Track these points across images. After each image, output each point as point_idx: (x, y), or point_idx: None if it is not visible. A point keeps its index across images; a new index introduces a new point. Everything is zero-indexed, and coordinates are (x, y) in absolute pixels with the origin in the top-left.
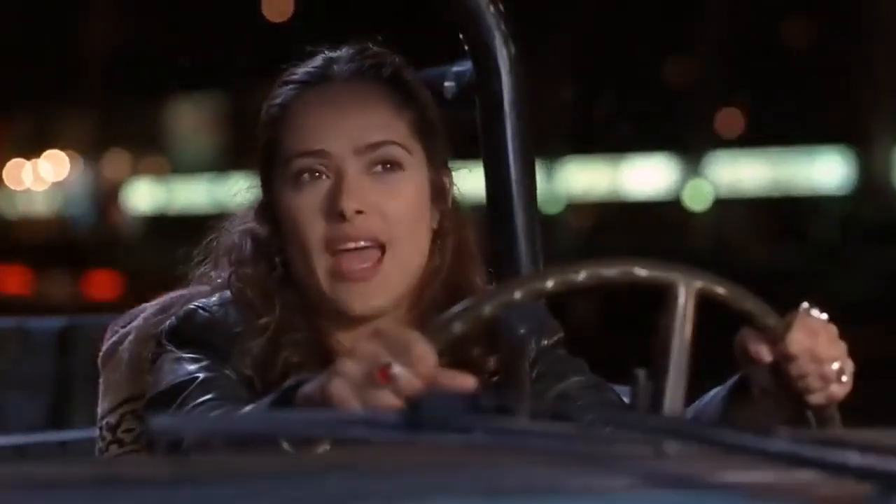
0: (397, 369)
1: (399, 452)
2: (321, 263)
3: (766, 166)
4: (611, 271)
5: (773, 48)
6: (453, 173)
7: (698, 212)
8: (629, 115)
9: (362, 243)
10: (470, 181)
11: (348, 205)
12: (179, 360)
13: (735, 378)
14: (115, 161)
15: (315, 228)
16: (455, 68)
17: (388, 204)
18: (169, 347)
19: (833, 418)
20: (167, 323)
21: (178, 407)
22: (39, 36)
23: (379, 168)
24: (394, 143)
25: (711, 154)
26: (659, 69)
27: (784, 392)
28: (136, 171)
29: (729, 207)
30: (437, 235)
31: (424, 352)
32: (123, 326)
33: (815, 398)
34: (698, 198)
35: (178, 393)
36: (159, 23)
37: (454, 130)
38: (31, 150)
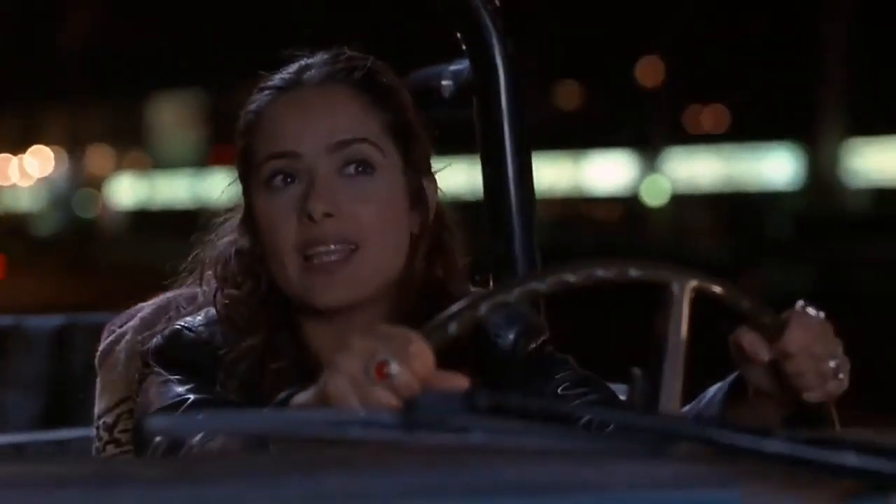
0: (394, 367)
1: (396, 452)
2: (293, 263)
3: (721, 163)
4: (606, 271)
5: (728, 49)
6: (438, 174)
7: (656, 207)
8: (591, 113)
9: (332, 247)
10: (469, 179)
11: (317, 207)
12: (167, 382)
13: (730, 379)
14: (99, 156)
15: (287, 231)
16: (452, 67)
17: (360, 207)
18: (156, 369)
19: (830, 416)
20: (153, 342)
21: None
22: (24, 34)
23: (351, 169)
24: (364, 140)
25: (669, 151)
26: (620, 69)
27: (781, 390)
28: (120, 167)
29: (685, 203)
30: (418, 241)
31: (421, 349)
32: (120, 326)
33: (813, 395)
34: (656, 193)
35: (165, 413)
36: (143, 22)
37: (452, 128)
38: (18, 146)
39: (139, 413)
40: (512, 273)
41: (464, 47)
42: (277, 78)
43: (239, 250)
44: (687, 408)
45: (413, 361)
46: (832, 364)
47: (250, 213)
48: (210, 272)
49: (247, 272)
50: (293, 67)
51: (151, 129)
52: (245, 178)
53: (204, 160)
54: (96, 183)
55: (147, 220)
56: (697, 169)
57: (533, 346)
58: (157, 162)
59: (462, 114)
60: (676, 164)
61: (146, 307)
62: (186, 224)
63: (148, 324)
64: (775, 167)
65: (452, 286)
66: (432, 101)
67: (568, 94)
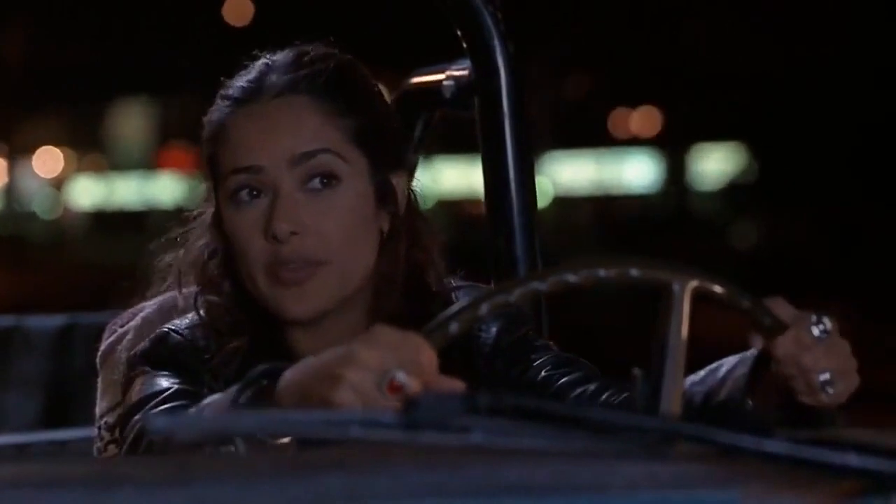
0: (404, 378)
1: (397, 452)
2: (262, 279)
3: (592, 167)
4: (607, 271)
5: (599, 61)
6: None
7: (540, 208)
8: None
9: (299, 265)
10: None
11: (281, 227)
12: (153, 377)
13: (754, 356)
14: (60, 159)
15: (254, 249)
16: (454, 67)
17: (325, 222)
18: (143, 368)
19: (830, 417)
20: (139, 347)
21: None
22: None
23: (316, 183)
24: (328, 151)
25: (549, 155)
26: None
27: (774, 387)
28: (79, 169)
29: (563, 205)
30: (389, 239)
31: (430, 358)
32: (122, 326)
33: (804, 399)
34: (539, 195)
35: (148, 401)
36: (102, 36)
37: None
38: None
39: (124, 409)
40: (513, 273)
41: (465, 47)
42: (237, 86)
43: (213, 253)
44: (698, 376)
45: (425, 370)
46: (821, 378)
47: (220, 218)
48: (189, 276)
49: (224, 274)
50: (253, 72)
51: (107, 134)
52: (214, 185)
53: (153, 163)
54: (58, 185)
55: (104, 220)
56: (575, 172)
57: (511, 339)
58: (112, 164)
59: (463, 114)
60: (558, 168)
61: (148, 307)
62: (139, 221)
63: (150, 323)
64: (638, 171)
65: (430, 276)
66: (433, 101)
67: None
